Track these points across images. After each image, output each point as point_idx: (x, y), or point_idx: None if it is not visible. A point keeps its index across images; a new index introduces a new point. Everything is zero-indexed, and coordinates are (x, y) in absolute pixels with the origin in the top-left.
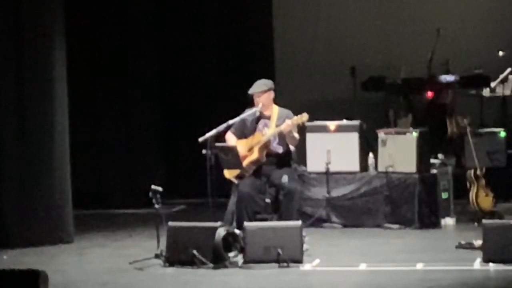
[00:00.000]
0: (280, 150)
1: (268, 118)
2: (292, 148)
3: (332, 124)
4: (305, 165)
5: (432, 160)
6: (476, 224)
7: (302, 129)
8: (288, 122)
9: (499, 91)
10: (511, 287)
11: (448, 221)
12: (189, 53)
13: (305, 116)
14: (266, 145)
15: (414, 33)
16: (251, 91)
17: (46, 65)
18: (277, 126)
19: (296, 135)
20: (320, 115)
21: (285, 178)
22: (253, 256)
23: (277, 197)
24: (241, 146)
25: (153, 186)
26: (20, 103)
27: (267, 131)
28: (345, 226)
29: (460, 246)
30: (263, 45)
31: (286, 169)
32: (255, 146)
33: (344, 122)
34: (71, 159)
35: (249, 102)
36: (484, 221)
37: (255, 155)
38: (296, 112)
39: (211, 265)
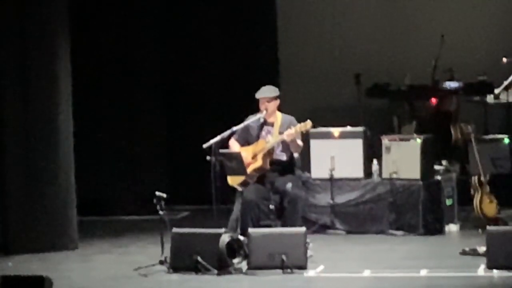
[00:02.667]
0: (284, 157)
1: (272, 125)
2: (296, 154)
3: (336, 131)
4: (309, 171)
5: (436, 167)
6: (480, 230)
7: (306, 136)
8: (291, 130)
9: (503, 98)
10: None
11: (452, 228)
12: (193, 60)
13: (308, 124)
14: (269, 153)
15: (418, 40)
16: (261, 95)
17: (51, 72)
18: (280, 133)
19: (300, 142)
20: (325, 122)
21: (289, 185)
22: (257, 263)
23: (281, 203)
24: (245, 154)
25: (157, 193)
26: (24, 109)
27: (271, 139)
28: (349, 232)
29: (464, 253)
30: (267, 52)
31: (290, 176)
32: (259, 153)
33: (348, 128)
34: (75, 165)
35: (253, 108)
36: (488, 227)
37: (258, 162)
38: (301, 119)
39: (215, 271)
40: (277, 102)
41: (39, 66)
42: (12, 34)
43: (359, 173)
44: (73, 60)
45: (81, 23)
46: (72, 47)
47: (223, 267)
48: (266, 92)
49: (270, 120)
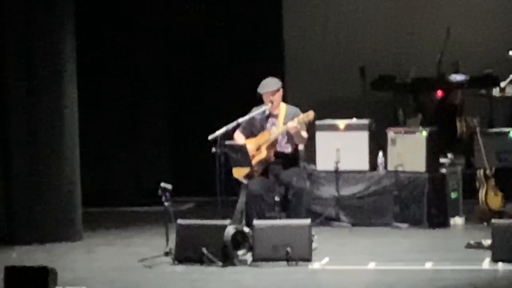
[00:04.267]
0: (289, 149)
1: (276, 117)
2: (301, 147)
3: (341, 123)
4: (314, 163)
5: (442, 160)
6: (485, 224)
7: (311, 127)
8: (294, 123)
9: (509, 91)
10: None
11: (457, 221)
12: (197, 51)
13: (311, 114)
14: (273, 144)
15: (424, 32)
16: (265, 89)
17: (56, 65)
18: (284, 124)
19: (304, 133)
20: (330, 114)
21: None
22: (262, 255)
23: (286, 196)
24: (249, 145)
25: (162, 184)
26: (29, 100)
27: (275, 130)
28: (354, 225)
29: (469, 246)
30: (272, 43)
31: (294, 168)
32: (263, 145)
33: (354, 120)
34: (80, 157)
35: (258, 100)
36: (493, 221)
37: (263, 154)
38: (305, 111)
39: (220, 263)
40: (281, 93)
41: (45, 59)
42: (18, 28)
43: (364, 165)
44: (78, 52)
45: (86, 14)
46: (76, 39)
47: (227, 259)
48: (270, 86)
49: (275, 111)
